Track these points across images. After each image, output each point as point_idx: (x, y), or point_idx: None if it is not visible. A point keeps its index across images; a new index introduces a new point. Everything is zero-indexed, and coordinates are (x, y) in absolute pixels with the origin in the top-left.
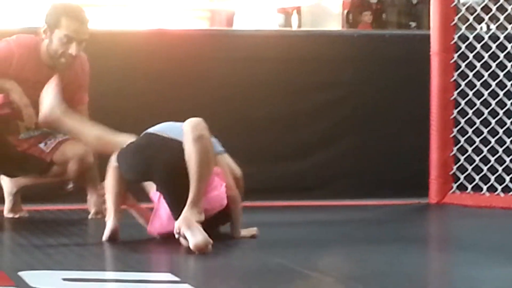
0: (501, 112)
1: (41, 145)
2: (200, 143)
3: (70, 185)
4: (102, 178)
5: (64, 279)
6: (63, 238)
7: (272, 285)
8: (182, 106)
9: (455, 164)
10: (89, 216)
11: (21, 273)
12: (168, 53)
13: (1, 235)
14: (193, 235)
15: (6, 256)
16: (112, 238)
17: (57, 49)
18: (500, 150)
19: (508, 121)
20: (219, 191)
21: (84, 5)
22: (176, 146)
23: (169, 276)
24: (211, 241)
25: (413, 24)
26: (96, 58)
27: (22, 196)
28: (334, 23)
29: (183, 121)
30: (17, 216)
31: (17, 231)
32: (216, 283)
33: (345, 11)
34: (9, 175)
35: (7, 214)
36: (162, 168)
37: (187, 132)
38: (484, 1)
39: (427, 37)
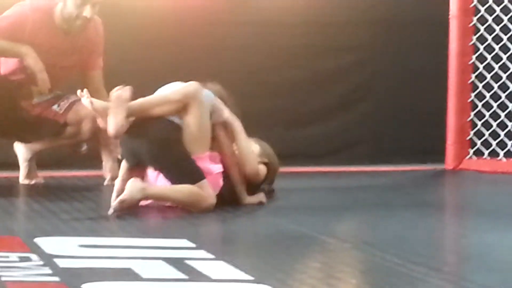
0: None
1: (55, 107)
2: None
3: (84, 147)
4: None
5: (80, 246)
6: (79, 205)
7: (289, 251)
8: (200, 70)
9: (472, 129)
10: (105, 183)
11: (37, 240)
12: (186, 18)
13: (17, 201)
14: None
15: (22, 223)
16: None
17: (72, 11)
18: None
19: None
20: (212, 175)
21: None
22: (159, 128)
23: (185, 242)
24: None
25: None
26: (111, 23)
27: (38, 162)
28: None
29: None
30: (32, 182)
31: (32, 198)
32: (232, 249)
33: None
34: (24, 140)
35: (22, 180)
36: (147, 157)
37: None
38: None
39: (447, 0)
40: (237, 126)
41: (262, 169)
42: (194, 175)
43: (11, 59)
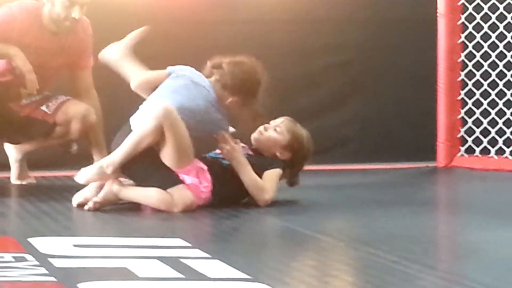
0: (509, 74)
1: (43, 108)
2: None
3: (75, 147)
4: (108, 142)
5: (75, 245)
6: (71, 205)
7: (283, 249)
8: None
9: (463, 127)
10: None
11: (31, 240)
12: (173, 17)
13: (10, 202)
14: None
15: (16, 223)
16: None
17: (60, 13)
18: (508, 112)
19: None
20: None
21: None
22: None
23: (179, 242)
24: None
25: None
26: (100, 22)
27: (29, 163)
28: None
29: None
30: (24, 182)
31: (25, 198)
32: (227, 247)
33: None
34: (14, 142)
35: (14, 181)
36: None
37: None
38: None
39: None
40: (240, 159)
41: (280, 174)
42: (165, 181)
43: None
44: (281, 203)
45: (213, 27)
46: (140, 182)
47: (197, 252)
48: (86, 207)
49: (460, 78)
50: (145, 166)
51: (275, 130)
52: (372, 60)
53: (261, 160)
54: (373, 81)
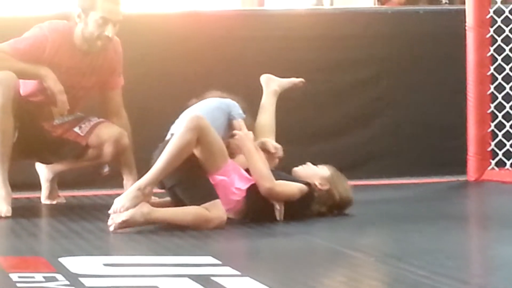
0: None
1: (76, 129)
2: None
3: (106, 169)
4: (138, 163)
5: (105, 264)
6: (101, 224)
7: (313, 266)
8: (216, 86)
9: (493, 140)
10: None
11: (61, 259)
12: (202, 34)
13: (40, 221)
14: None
15: (46, 243)
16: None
17: (93, 31)
18: None
19: None
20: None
21: None
22: None
23: (210, 259)
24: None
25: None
26: (130, 41)
27: (59, 182)
28: (366, 0)
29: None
30: (54, 202)
31: (55, 218)
32: (257, 265)
33: None
34: (45, 161)
35: (44, 200)
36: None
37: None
38: None
39: (462, 12)
40: (250, 146)
41: (301, 188)
42: (203, 195)
43: (30, 81)
44: (311, 218)
45: (243, 43)
46: (181, 194)
47: (228, 270)
48: (110, 227)
49: (489, 91)
50: (181, 179)
51: (317, 167)
52: (401, 74)
53: (287, 176)
54: (402, 95)
